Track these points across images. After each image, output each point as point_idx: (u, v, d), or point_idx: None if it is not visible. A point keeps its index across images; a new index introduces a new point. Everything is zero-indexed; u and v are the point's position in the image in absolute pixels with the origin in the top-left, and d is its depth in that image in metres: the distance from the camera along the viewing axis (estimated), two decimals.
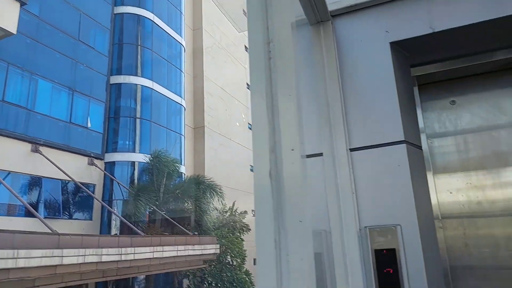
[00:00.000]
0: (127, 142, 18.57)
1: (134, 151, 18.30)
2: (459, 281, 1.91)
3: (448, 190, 2.04)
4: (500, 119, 2.04)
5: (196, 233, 16.78)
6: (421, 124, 2.08)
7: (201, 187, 17.50)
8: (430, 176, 2.01)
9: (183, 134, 21.31)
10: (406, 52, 1.99)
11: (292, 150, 0.79)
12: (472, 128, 2.08)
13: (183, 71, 22.54)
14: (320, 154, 1.79)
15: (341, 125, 1.78)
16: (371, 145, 1.75)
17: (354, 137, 1.78)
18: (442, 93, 2.18)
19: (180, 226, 15.95)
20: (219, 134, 24.41)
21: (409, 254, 1.62)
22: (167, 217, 16.42)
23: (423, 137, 2.07)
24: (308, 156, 1.82)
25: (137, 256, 11.27)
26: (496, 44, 1.97)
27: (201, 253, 14.39)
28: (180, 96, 21.75)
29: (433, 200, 1.95)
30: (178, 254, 12.94)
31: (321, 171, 1.78)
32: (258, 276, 0.77)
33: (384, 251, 1.64)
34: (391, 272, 1.61)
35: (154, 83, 19.87)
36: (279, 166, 0.77)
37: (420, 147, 1.84)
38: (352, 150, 1.77)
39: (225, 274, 17.90)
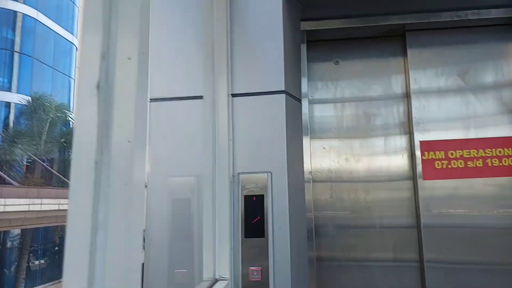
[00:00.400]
0: (1, 79, 15.84)
1: (9, 90, 15.74)
2: (322, 227, 2.08)
3: (322, 146, 2.16)
4: (375, 84, 2.20)
5: None
6: (304, 79, 2.12)
7: None
8: (306, 130, 2.08)
9: (73, 78, 19.03)
10: (300, 4, 1.96)
11: (129, 59, 0.65)
12: (351, 91, 2.21)
13: (76, 4, 19.72)
14: (201, 97, 1.69)
15: (224, 69, 1.69)
16: (252, 92, 1.70)
17: (237, 82, 1.72)
18: (328, 52, 2.25)
19: (65, 178, 14.62)
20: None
21: (276, 201, 1.66)
22: (49, 167, 14.84)
23: (305, 92, 2.12)
24: (188, 98, 1.71)
25: (8, 208, 10.03)
26: (387, 9, 2.06)
27: None
28: (72, 34, 19.14)
29: (306, 152, 2.04)
30: (60, 208, 11.93)
31: (200, 115, 1.69)
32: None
33: (254, 197, 1.66)
34: (258, 218, 1.64)
35: (39, 13, 17.00)
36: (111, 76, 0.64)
37: (299, 100, 1.87)
38: (234, 95, 1.71)
39: None
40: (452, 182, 2.01)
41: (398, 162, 2.10)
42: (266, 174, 1.67)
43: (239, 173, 1.68)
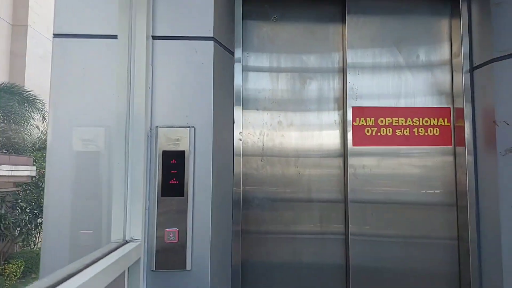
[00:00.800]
0: None
1: None
2: (250, 200, 1.99)
3: (255, 107, 2.05)
4: (312, 47, 2.11)
5: (5, 151, 14.18)
6: (240, 32, 1.96)
7: (17, 98, 14.54)
8: (238, 87, 1.95)
9: None
10: None
11: None
12: (286, 49, 2.10)
13: None
14: (114, 37, 1.46)
15: (144, 6, 1.47)
16: (177, 36, 1.52)
17: (159, 23, 1.51)
18: (266, 8, 2.10)
19: None
20: (49, 40, 20.40)
21: (199, 159, 1.53)
22: None
23: (238, 57, 1.96)
24: (99, 36, 1.47)
25: None
26: None
27: (10, 174, 12.34)
28: None
29: (238, 110, 1.91)
30: None
31: (114, 57, 1.47)
32: None
33: (173, 153, 1.50)
34: (176, 174, 1.50)
35: None
36: None
37: (231, 52, 1.72)
38: (154, 38, 1.51)
39: (42, 199, 16.08)
40: (380, 150, 2.02)
41: (330, 128, 2.06)
42: (188, 128, 1.52)
43: (157, 126, 1.51)
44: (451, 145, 2.05)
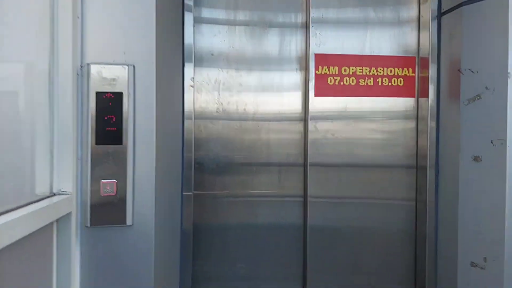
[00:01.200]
0: None
1: None
2: (202, 165, 1.85)
3: (210, 51, 1.86)
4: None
5: None
6: None
7: None
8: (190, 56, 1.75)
9: None
10: None
11: None
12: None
13: None
14: None
15: None
16: None
17: None
18: None
19: None
20: None
21: (139, 102, 1.35)
22: None
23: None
24: None
25: None
26: None
27: None
28: None
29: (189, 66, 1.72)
30: None
31: None
32: None
33: (109, 95, 1.31)
34: (113, 119, 1.32)
35: None
36: None
37: None
38: None
39: None
40: (343, 100, 1.92)
41: (291, 78, 1.91)
42: (126, 67, 1.32)
43: (89, 64, 1.30)
44: (415, 96, 1.98)
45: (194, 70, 1.78)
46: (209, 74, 1.84)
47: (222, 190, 1.87)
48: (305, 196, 1.89)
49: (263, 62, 1.88)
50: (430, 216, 1.90)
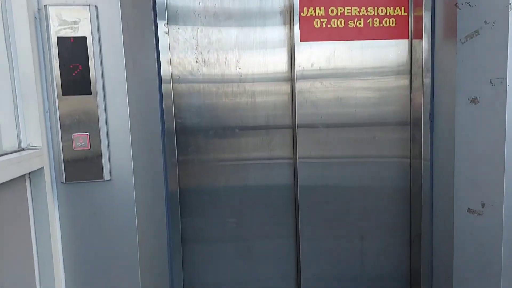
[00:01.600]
0: None
1: None
2: (185, 130, 1.74)
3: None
4: None
5: None
6: None
7: None
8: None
9: None
10: None
11: None
12: None
13: None
14: None
15: None
16: None
17: None
18: None
19: None
20: None
21: (106, 45, 1.24)
22: None
23: None
24: None
25: None
26: None
27: None
28: None
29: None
30: None
31: None
32: None
33: (71, 39, 1.20)
34: (79, 67, 1.21)
35: None
36: None
37: None
38: None
39: None
40: (331, 45, 1.80)
41: (274, 21, 1.78)
42: (88, 7, 1.20)
43: (46, 5, 1.18)
44: (408, 38, 1.86)
45: (167, 8, 1.61)
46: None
47: (199, 155, 1.79)
48: (294, 157, 1.84)
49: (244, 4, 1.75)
50: (425, 171, 1.84)
